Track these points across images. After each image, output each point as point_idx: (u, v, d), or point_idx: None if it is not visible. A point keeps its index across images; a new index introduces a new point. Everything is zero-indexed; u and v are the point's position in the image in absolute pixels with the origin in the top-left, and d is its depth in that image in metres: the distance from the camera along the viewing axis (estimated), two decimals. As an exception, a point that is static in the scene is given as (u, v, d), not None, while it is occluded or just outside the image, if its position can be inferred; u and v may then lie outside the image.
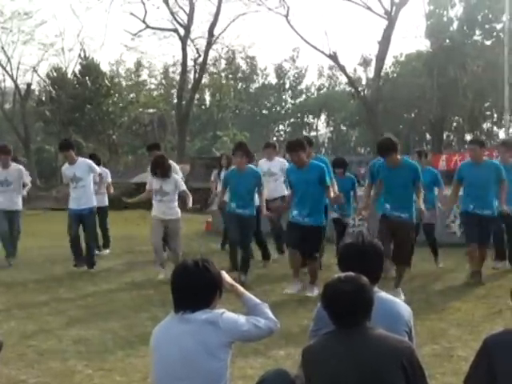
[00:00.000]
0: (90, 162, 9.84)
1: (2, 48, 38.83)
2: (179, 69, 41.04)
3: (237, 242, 8.53)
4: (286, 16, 36.33)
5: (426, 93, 45.94)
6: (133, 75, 56.69)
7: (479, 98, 46.34)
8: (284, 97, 70.53)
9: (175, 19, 36.94)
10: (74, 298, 7.82)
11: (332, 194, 7.62)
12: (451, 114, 50.29)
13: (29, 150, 39.42)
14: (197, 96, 45.90)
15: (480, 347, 2.93)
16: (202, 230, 14.37)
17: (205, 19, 38.13)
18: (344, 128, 69.50)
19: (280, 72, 69.40)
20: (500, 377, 2.81)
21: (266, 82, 70.00)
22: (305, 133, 64.35)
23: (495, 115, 52.56)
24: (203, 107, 60.75)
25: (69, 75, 40.93)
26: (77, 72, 40.55)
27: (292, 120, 71.05)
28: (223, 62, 51.10)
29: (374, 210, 7.94)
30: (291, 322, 6.11)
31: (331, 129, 71.40)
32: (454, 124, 54.70)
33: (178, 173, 9.56)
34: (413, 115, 55.13)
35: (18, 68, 40.63)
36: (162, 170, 8.83)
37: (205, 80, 44.77)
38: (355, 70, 61.55)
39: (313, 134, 67.01)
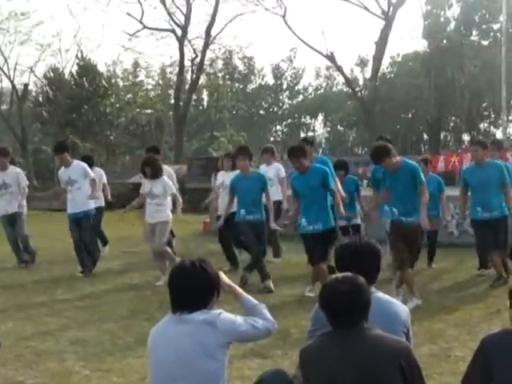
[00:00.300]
0: (85, 165, 9.74)
1: (-1, 48, 38.86)
2: (176, 69, 40.88)
3: (257, 248, 8.24)
4: (284, 16, 36.38)
5: (423, 93, 45.90)
6: (130, 76, 56.50)
7: (476, 98, 46.29)
8: (281, 97, 70.36)
9: (172, 19, 36.94)
10: (71, 299, 7.82)
11: (339, 201, 7.63)
12: (448, 114, 50.27)
13: (26, 150, 39.29)
14: (194, 97, 45.86)
15: (478, 347, 2.94)
16: (199, 231, 14.34)
17: (202, 19, 38.43)
18: (341, 128, 69.41)
19: (277, 72, 69.27)
20: (497, 377, 2.82)
21: (263, 83, 69.82)
22: (302, 133, 64.35)
23: (492, 115, 52.49)
24: (201, 108, 60.68)
25: (66, 76, 40.78)
26: (74, 72, 40.39)
27: (289, 120, 70.86)
28: (220, 62, 51.14)
29: (376, 215, 7.93)
30: (289, 322, 6.12)
31: (328, 129, 71.34)
32: (452, 124, 54.68)
33: (171, 177, 9.46)
34: (410, 115, 55.04)
35: (15, 68, 40.58)
36: (151, 169, 8.73)
37: (202, 80, 44.76)
38: (352, 71, 61.34)
39: (310, 134, 66.89)
